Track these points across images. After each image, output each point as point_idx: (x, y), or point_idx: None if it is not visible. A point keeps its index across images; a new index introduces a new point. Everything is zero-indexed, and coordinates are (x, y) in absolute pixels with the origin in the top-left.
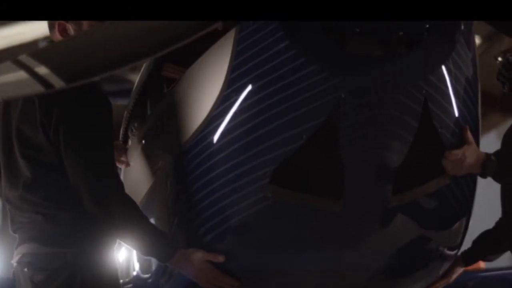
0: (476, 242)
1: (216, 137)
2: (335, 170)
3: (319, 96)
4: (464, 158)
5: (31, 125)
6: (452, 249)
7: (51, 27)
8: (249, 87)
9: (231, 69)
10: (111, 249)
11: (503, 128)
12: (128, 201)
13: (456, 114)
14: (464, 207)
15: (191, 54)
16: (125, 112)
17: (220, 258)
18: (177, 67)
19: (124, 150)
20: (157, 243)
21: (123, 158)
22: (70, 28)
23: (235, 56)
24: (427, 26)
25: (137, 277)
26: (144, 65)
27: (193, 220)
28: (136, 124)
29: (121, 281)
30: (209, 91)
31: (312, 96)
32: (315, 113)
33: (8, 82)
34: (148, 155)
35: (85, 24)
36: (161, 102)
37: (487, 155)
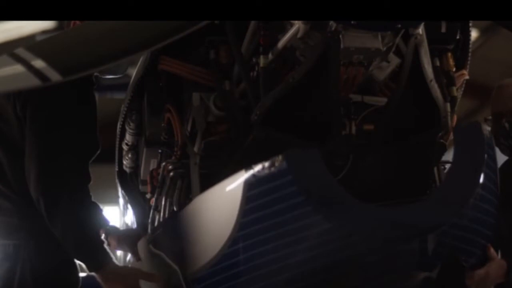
0: None
1: (224, 277)
2: None
3: (335, 253)
4: (488, 275)
5: (4, 96)
6: None
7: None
8: (261, 235)
9: (242, 214)
10: (55, 243)
11: None
12: (78, 199)
13: (481, 240)
14: None
15: (187, 48)
16: (122, 106)
17: (155, 279)
18: (173, 60)
19: (133, 243)
20: (92, 249)
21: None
22: None
23: (246, 201)
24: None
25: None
26: (141, 59)
27: None
28: (133, 117)
29: None
30: (219, 229)
31: (326, 252)
32: (331, 268)
33: (5, 75)
34: (154, 268)
35: None
36: (169, 221)
37: (510, 263)
